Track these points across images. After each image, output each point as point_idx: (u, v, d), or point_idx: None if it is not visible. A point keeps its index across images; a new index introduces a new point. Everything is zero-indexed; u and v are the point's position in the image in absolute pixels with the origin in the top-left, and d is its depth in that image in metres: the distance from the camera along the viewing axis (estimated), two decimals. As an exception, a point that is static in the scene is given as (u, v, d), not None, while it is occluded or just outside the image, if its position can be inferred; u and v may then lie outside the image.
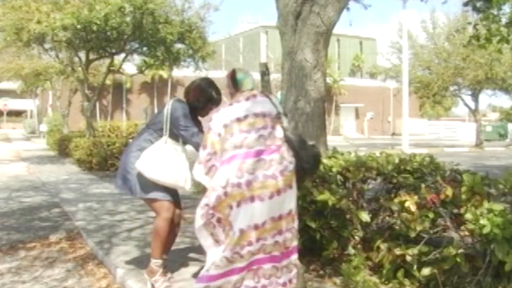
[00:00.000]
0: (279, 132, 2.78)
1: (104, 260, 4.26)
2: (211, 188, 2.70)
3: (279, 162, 2.69)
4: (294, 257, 2.79)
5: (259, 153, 2.67)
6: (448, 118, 52.78)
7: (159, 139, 3.42)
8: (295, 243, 2.78)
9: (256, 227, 2.64)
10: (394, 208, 3.18)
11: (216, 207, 2.66)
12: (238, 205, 2.63)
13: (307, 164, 2.84)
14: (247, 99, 2.86)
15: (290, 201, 2.73)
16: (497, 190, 2.87)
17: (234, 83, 3.00)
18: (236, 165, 2.64)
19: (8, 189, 8.89)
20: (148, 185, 3.34)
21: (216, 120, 2.81)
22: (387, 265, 3.16)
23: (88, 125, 14.98)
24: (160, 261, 3.41)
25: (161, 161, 3.32)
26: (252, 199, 2.63)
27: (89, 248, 4.76)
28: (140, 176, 3.35)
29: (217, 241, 2.70)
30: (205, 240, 2.74)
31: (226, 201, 2.64)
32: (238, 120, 2.75)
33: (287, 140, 2.79)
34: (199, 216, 2.74)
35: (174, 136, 3.42)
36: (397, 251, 3.08)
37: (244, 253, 2.65)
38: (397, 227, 3.35)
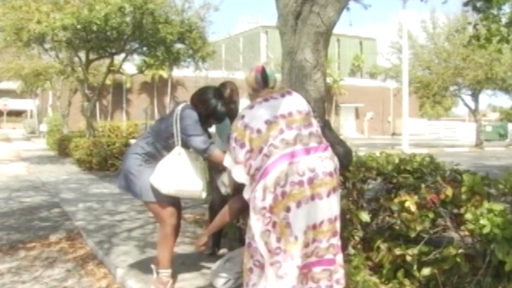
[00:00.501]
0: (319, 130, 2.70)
1: (104, 260, 4.25)
2: (264, 188, 2.49)
3: (331, 159, 2.60)
4: (340, 256, 2.67)
5: (316, 150, 2.55)
6: (448, 118, 52.78)
7: (165, 146, 3.25)
8: (339, 242, 2.67)
9: (314, 227, 2.51)
10: (394, 208, 3.18)
11: (273, 209, 2.47)
12: (298, 205, 2.45)
13: (345, 160, 2.78)
14: (283, 95, 2.73)
15: (340, 200, 2.66)
16: (497, 190, 2.86)
17: (265, 78, 2.81)
18: (296, 162, 2.49)
19: (8, 189, 8.89)
20: (153, 188, 3.20)
21: (252, 117, 2.63)
22: (387, 265, 3.16)
23: (88, 125, 14.98)
24: (170, 271, 3.26)
25: (177, 175, 3.16)
26: (312, 197, 2.48)
27: (89, 248, 4.76)
28: (144, 178, 3.21)
29: (269, 251, 2.49)
30: (261, 253, 2.51)
31: (283, 202, 2.46)
32: (283, 116, 2.60)
33: (325, 136, 2.70)
34: (256, 220, 2.51)
35: (186, 144, 3.24)
36: (397, 251, 3.08)
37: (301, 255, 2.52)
38: (397, 227, 3.35)
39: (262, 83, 2.82)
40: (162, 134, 3.28)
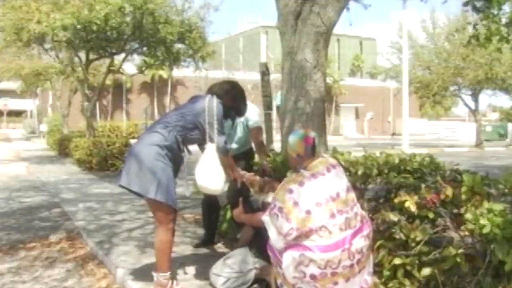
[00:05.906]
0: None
1: (104, 260, 4.26)
2: (311, 260, 2.53)
3: (368, 237, 2.73)
4: None
5: (361, 230, 2.67)
6: (448, 118, 52.72)
7: (186, 139, 3.18)
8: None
9: None
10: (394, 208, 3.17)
11: (318, 280, 2.55)
12: (347, 280, 2.58)
13: None
14: (328, 170, 2.71)
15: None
16: (497, 190, 2.86)
17: (314, 150, 2.84)
18: (347, 248, 2.58)
19: (8, 189, 8.89)
20: (166, 188, 3.06)
21: (302, 195, 2.59)
22: (387, 265, 3.15)
23: (88, 125, 14.97)
24: (169, 274, 3.21)
25: (220, 171, 3.13)
26: (359, 271, 2.64)
27: (89, 248, 4.76)
28: (164, 177, 3.06)
29: None
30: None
31: (332, 279, 2.55)
32: (333, 199, 2.61)
33: None
34: (290, 275, 2.57)
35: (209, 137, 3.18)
36: (397, 261, 3.06)
37: None
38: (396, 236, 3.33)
39: (310, 154, 2.81)
40: (187, 125, 3.17)
